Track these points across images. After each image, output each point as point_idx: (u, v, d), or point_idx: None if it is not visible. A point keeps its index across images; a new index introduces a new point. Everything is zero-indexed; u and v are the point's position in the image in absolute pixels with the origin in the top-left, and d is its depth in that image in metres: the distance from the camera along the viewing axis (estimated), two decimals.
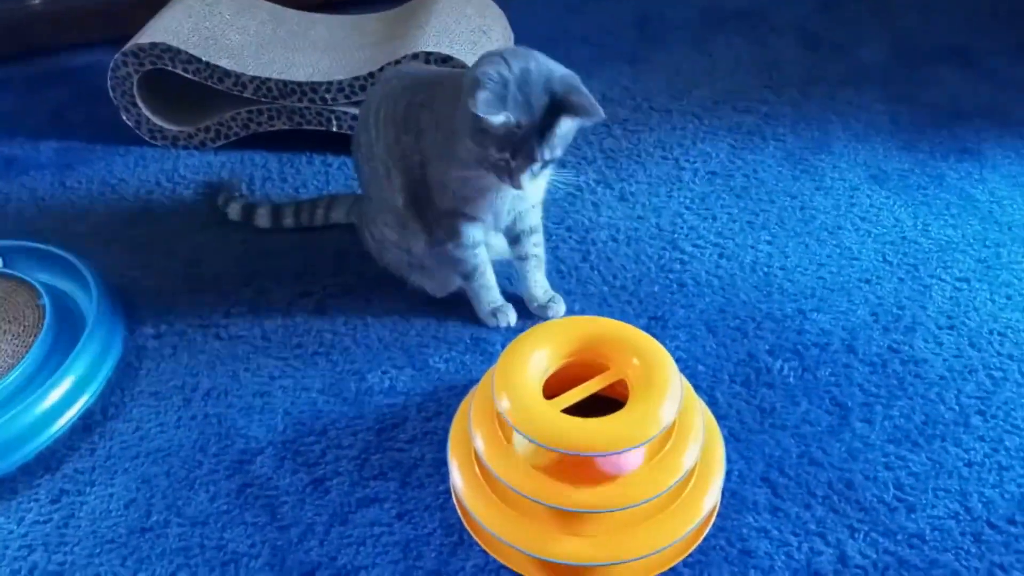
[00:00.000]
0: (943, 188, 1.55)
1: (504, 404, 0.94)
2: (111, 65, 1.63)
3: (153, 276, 1.43)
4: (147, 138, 1.72)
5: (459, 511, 1.02)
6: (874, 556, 0.97)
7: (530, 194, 1.20)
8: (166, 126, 1.71)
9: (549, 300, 1.30)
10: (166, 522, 1.04)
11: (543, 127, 1.04)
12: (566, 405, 0.95)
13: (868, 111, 1.77)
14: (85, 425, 1.17)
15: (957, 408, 1.14)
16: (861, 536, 1.00)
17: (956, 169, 1.59)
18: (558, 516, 0.94)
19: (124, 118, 1.70)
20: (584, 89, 1.05)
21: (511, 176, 1.07)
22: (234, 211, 1.51)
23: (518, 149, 1.05)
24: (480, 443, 0.97)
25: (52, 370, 1.20)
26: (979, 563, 0.97)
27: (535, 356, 1.00)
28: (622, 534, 0.94)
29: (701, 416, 1.01)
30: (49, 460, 1.13)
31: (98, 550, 1.02)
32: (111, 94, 1.66)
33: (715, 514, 1.01)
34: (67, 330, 1.28)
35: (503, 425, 0.96)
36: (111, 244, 1.50)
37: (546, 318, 1.28)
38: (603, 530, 0.94)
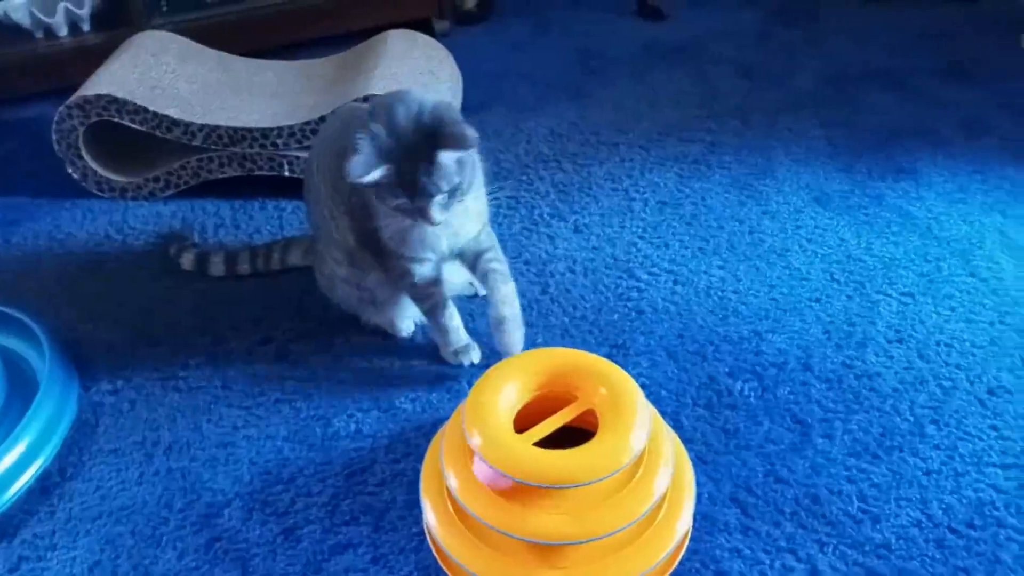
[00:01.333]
0: (883, 207, 1.61)
1: (476, 440, 0.94)
2: (56, 118, 1.61)
3: (106, 330, 1.40)
4: (94, 190, 1.70)
5: (434, 551, 1.02)
6: (844, 568, 0.99)
7: (463, 228, 1.20)
8: (113, 178, 1.69)
9: (501, 325, 1.22)
10: None
11: (428, 162, 1.06)
12: (538, 438, 0.96)
13: (807, 136, 1.83)
14: (43, 488, 1.14)
15: (912, 419, 1.18)
16: (830, 550, 1.02)
17: (894, 188, 1.66)
18: (534, 550, 0.94)
19: (70, 171, 1.67)
20: (454, 118, 1.07)
21: (421, 215, 1.09)
22: (187, 261, 1.49)
23: (410, 191, 1.07)
24: (453, 481, 0.97)
25: (5, 434, 1.16)
26: (944, 568, 0.99)
27: (504, 390, 1.00)
28: (598, 563, 0.94)
29: (670, 442, 1.02)
30: (5, 527, 1.09)
31: None
32: (56, 147, 1.64)
33: (688, 538, 1.02)
34: (18, 390, 1.25)
35: (475, 461, 0.97)
36: (61, 300, 1.47)
37: (503, 349, 1.24)
38: (580, 561, 0.94)
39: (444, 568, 1.00)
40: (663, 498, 0.98)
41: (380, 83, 1.58)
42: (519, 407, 1.01)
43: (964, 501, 1.07)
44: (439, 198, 1.09)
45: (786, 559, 1.01)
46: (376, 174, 1.05)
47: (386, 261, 1.21)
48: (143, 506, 1.11)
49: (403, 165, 1.05)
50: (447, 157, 1.06)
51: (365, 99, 1.54)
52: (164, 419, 1.23)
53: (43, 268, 1.55)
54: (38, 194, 1.74)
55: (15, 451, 1.14)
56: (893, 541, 1.02)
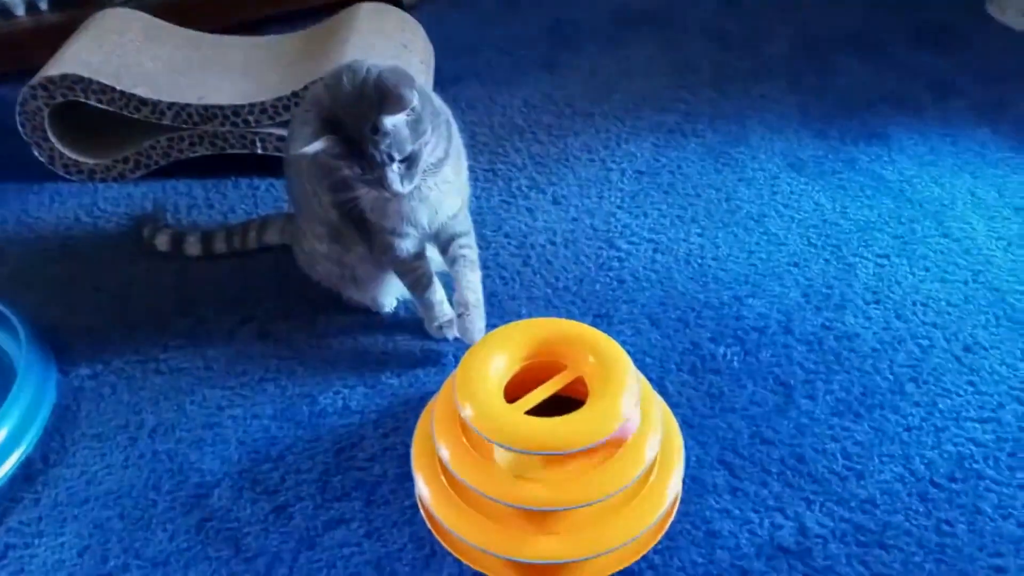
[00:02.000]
0: (856, 171, 1.63)
1: (468, 411, 0.95)
2: (19, 99, 1.57)
3: (82, 314, 1.38)
4: (62, 173, 1.66)
5: (428, 523, 1.02)
6: (831, 524, 1.02)
7: (443, 203, 1.18)
8: (81, 159, 1.65)
9: (463, 312, 1.21)
10: (125, 566, 1.01)
11: (372, 130, 1.03)
12: (529, 407, 0.97)
13: (779, 103, 1.84)
14: (26, 475, 1.12)
15: (891, 377, 1.20)
16: (817, 507, 1.04)
17: (866, 153, 1.68)
18: (528, 516, 0.95)
19: (36, 154, 1.63)
20: (397, 81, 1.03)
21: (381, 185, 1.07)
22: (162, 242, 1.47)
23: (364, 160, 1.05)
24: (446, 452, 0.97)
25: None
26: (927, 520, 1.02)
27: (494, 361, 1.00)
28: (592, 529, 0.95)
29: (658, 407, 1.03)
30: None
31: None
32: (21, 130, 1.60)
33: (678, 501, 1.04)
34: None
35: (467, 432, 0.97)
36: (34, 285, 1.44)
37: (463, 336, 1.22)
38: (573, 527, 0.95)
39: (439, 539, 1.01)
40: (653, 462, 0.99)
41: (353, 56, 1.56)
42: (509, 377, 1.02)
43: (945, 455, 1.09)
44: (394, 167, 1.05)
45: (775, 517, 1.03)
46: (317, 145, 1.03)
47: (370, 236, 1.20)
48: (130, 489, 1.10)
49: (350, 134, 1.03)
50: (391, 121, 1.03)
51: None
52: (147, 402, 1.22)
53: (12, 254, 1.52)
54: (3, 178, 1.69)
55: None
56: (878, 496, 1.05)
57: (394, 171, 1.06)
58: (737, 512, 1.04)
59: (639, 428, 0.98)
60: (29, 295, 1.41)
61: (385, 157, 1.04)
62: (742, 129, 1.76)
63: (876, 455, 1.10)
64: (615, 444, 0.95)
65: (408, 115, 1.04)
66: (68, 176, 1.66)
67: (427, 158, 1.09)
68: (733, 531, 1.01)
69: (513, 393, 1.00)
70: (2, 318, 1.28)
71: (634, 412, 0.96)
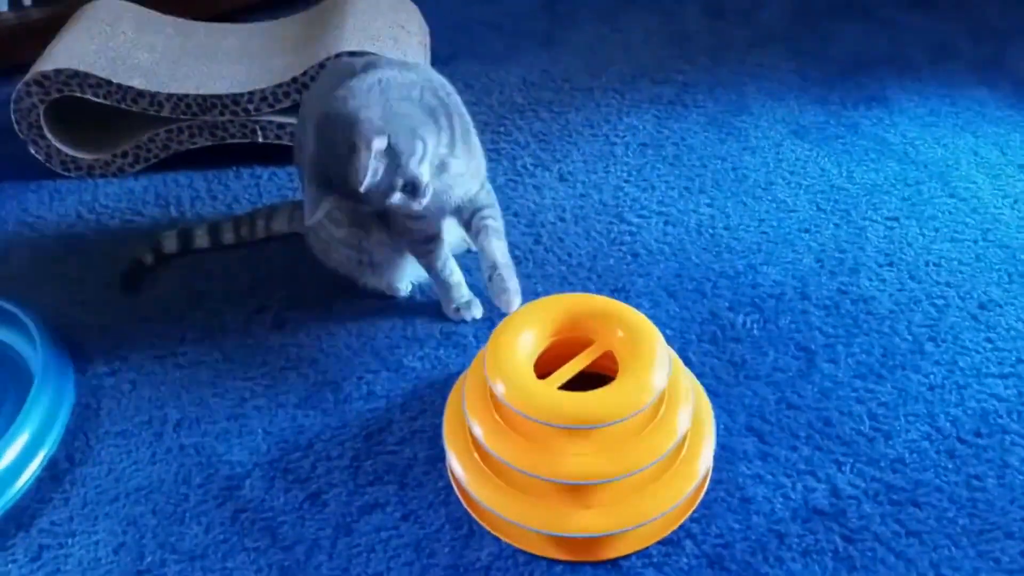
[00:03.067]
0: (859, 136, 1.63)
1: (500, 388, 0.95)
2: (13, 97, 1.54)
3: (94, 312, 1.36)
4: (59, 170, 1.63)
5: (464, 502, 1.02)
6: (863, 485, 1.03)
7: (455, 188, 1.18)
8: (79, 156, 1.63)
9: (492, 272, 1.19)
10: (162, 561, 1.00)
11: (356, 174, 1.04)
12: (562, 382, 0.97)
13: (778, 70, 1.84)
14: (52, 476, 1.11)
15: (910, 338, 1.22)
16: (848, 468, 1.05)
17: (868, 117, 1.68)
18: (565, 491, 0.95)
19: (32, 151, 1.61)
20: (360, 131, 1.02)
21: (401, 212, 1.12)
22: (170, 244, 1.45)
23: (364, 202, 1.09)
24: (479, 429, 0.97)
25: (4, 426, 1.13)
26: (957, 476, 1.03)
27: (523, 338, 1.00)
28: (628, 500, 0.95)
29: (688, 379, 1.04)
30: (20, 517, 1.07)
31: None
32: (16, 127, 1.57)
33: (710, 472, 1.04)
34: (10, 380, 1.22)
35: (500, 408, 0.97)
36: (40, 286, 1.42)
37: (499, 299, 1.20)
38: (610, 499, 0.95)
39: (476, 517, 1.01)
40: (686, 434, 0.99)
41: (352, 39, 1.54)
42: (538, 354, 1.02)
43: (969, 412, 1.11)
44: (396, 195, 1.07)
45: (807, 480, 1.04)
46: (321, 212, 1.09)
47: (387, 218, 1.19)
48: (160, 484, 1.09)
49: (344, 188, 1.06)
50: (368, 172, 1.03)
51: (352, 54, 1.50)
52: (168, 396, 1.21)
53: (15, 255, 1.49)
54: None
55: (18, 443, 1.10)
56: (907, 455, 1.06)
57: (399, 197, 1.08)
58: (769, 477, 1.04)
59: (671, 399, 0.99)
60: (38, 295, 1.38)
61: (379, 199, 1.07)
62: (742, 98, 1.76)
63: (902, 415, 1.11)
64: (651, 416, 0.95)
65: (380, 159, 1.04)
66: (66, 173, 1.64)
67: (431, 166, 1.10)
68: (767, 496, 1.02)
69: (542, 369, 1.00)
70: (15, 320, 1.27)
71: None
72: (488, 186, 1.26)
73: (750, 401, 1.14)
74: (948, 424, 1.09)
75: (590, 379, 1.02)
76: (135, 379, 1.24)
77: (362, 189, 1.04)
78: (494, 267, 1.20)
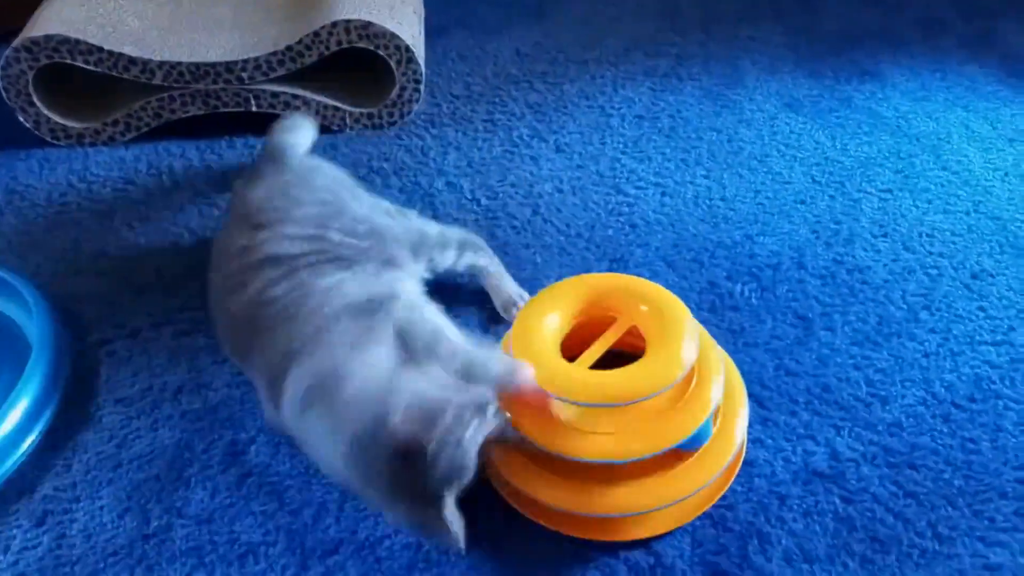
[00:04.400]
0: (852, 109, 1.65)
1: (529, 371, 0.93)
2: (1, 63, 1.51)
3: (88, 282, 1.35)
4: (49, 138, 1.61)
5: (493, 480, 1.00)
6: (861, 448, 1.05)
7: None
8: (69, 124, 1.60)
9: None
10: (168, 525, 1.00)
11: None
12: (592, 361, 0.96)
13: (770, 44, 1.85)
14: (53, 444, 1.11)
15: (905, 307, 1.24)
16: (846, 432, 1.07)
17: (861, 91, 1.69)
18: (598, 469, 0.94)
19: (21, 119, 1.58)
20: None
21: None
22: None
23: None
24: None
25: (3, 393, 1.12)
26: (952, 440, 1.06)
27: (547, 319, 1.00)
28: (662, 477, 0.94)
29: (718, 352, 1.03)
30: (20, 484, 1.06)
31: (101, 564, 0.97)
32: (4, 95, 1.54)
33: (745, 446, 1.03)
34: (8, 350, 1.21)
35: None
36: (32, 255, 1.40)
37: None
38: (644, 475, 0.94)
39: (504, 495, 1.00)
40: (719, 407, 0.99)
41: (348, 7, 1.53)
42: (564, 335, 1.01)
43: (963, 378, 1.13)
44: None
45: (806, 444, 1.06)
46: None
47: None
48: (163, 451, 1.09)
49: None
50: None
51: (334, 25, 1.48)
52: (166, 364, 1.20)
53: (5, 224, 1.47)
54: None
55: (17, 410, 1.09)
56: (903, 420, 1.08)
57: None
58: (770, 441, 1.06)
59: (702, 372, 0.98)
60: (31, 265, 1.37)
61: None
62: (736, 71, 1.77)
63: (898, 381, 1.13)
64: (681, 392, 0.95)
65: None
66: (56, 142, 1.61)
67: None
68: (768, 459, 1.04)
69: (567, 349, 0.99)
70: (10, 288, 1.25)
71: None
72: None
73: (749, 368, 1.15)
74: (943, 390, 1.12)
75: (615, 360, 0.99)
76: (132, 347, 1.23)
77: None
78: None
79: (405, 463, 0.83)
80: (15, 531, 1.01)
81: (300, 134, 1.31)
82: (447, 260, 1.18)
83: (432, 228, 1.19)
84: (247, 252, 1.05)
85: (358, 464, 0.86)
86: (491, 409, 0.88)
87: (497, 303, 1.24)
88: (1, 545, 1.00)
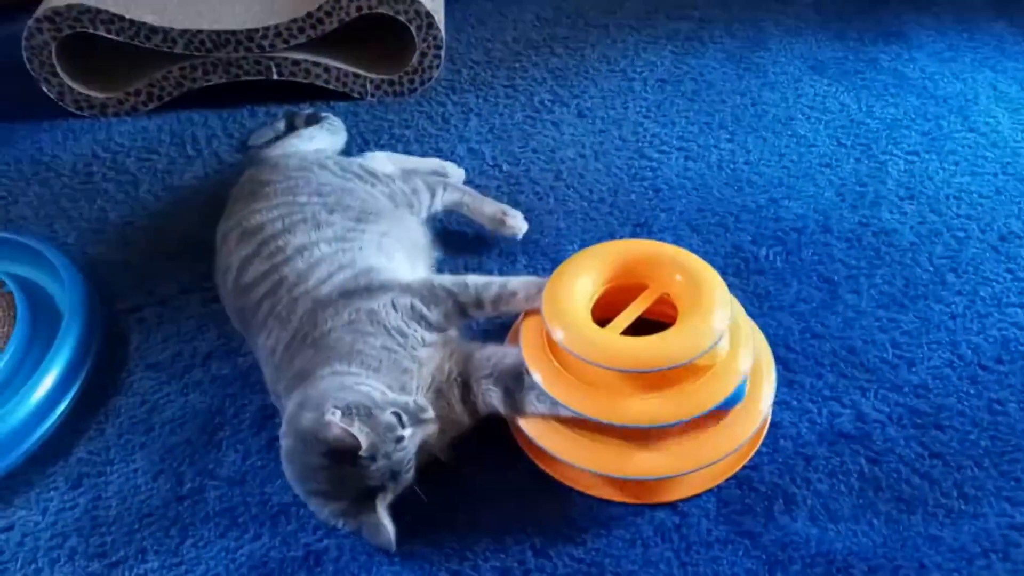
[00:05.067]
0: (878, 71, 1.62)
1: (560, 334, 0.94)
2: (24, 34, 1.51)
3: (117, 249, 1.36)
4: (72, 109, 1.62)
5: (524, 447, 1.02)
6: (887, 409, 1.05)
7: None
8: (92, 94, 1.61)
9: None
10: (201, 487, 1.02)
11: None
12: (624, 327, 0.96)
13: (794, 5, 1.82)
14: (87, 408, 1.13)
15: (932, 269, 1.23)
16: (872, 394, 1.07)
17: (886, 52, 1.67)
18: (627, 434, 0.94)
19: (45, 90, 1.59)
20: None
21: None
22: None
23: None
24: (538, 376, 0.96)
25: (37, 358, 1.14)
26: (979, 401, 1.05)
27: (579, 284, 0.99)
28: (690, 443, 0.95)
29: (748, 321, 1.03)
30: (57, 447, 1.08)
31: (137, 525, 0.99)
32: (28, 65, 1.55)
33: (770, 414, 1.03)
34: (40, 317, 1.22)
35: (559, 355, 0.96)
36: (60, 224, 1.42)
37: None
38: (673, 441, 0.95)
39: (537, 462, 1.01)
40: (747, 376, 0.98)
41: None
42: (594, 300, 1.01)
43: (990, 340, 1.12)
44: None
45: (832, 406, 1.06)
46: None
47: None
48: (194, 416, 1.11)
49: None
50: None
51: None
52: (196, 330, 1.22)
53: (32, 193, 1.49)
54: (11, 118, 1.65)
55: (51, 376, 1.11)
56: (929, 381, 1.08)
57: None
58: (795, 403, 1.06)
59: (732, 341, 0.97)
60: (58, 234, 1.39)
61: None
62: (759, 33, 1.74)
63: (924, 343, 1.12)
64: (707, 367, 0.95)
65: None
66: (79, 112, 1.62)
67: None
68: (793, 421, 1.04)
69: (596, 316, 0.99)
70: (40, 257, 1.27)
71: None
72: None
73: (775, 331, 1.15)
74: (970, 351, 1.11)
75: (645, 327, 1.00)
76: (162, 313, 1.25)
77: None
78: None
79: (340, 463, 0.87)
80: (52, 493, 1.03)
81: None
82: (424, 205, 1.26)
83: (397, 183, 1.26)
84: (228, 236, 1.16)
85: (295, 462, 0.91)
86: (427, 414, 0.92)
87: (485, 222, 1.29)
88: (40, 507, 1.02)
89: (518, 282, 1.03)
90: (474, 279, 1.04)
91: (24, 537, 0.99)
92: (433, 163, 1.40)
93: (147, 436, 1.09)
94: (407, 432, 0.90)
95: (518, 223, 1.28)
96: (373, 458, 0.88)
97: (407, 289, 1.03)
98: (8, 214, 1.44)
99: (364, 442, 0.86)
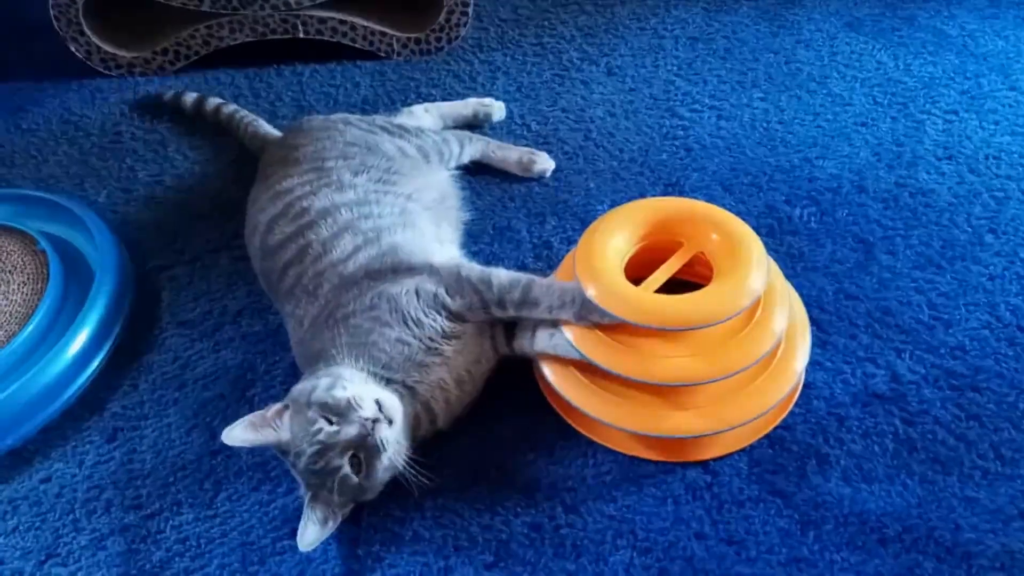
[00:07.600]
0: (916, 28, 1.58)
1: (593, 291, 0.93)
2: None
3: (146, 208, 1.37)
4: (100, 69, 1.62)
5: (553, 402, 1.02)
6: (923, 371, 1.03)
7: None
8: (120, 53, 1.61)
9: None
10: None
11: None
12: (657, 286, 0.95)
13: None
14: (119, 363, 1.14)
15: (970, 230, 1.20)
16: (907, 355, 1.05)
17: (925, 8, 1.63)
18: (661, 392, 0.94)
19: (72, 49, 1.59)
20: None
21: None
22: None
23: None
24: (570, 333, 0.95)
25: (70, 315, 1.15)
26: (1017, 363, 1.04)
27: (612, 241, 0.98)
28: (723, 402, 0.94)
29: (783, 282, 1.01)
30: (92, 402, 1.10)
31: (171, 478, 1.01)
32: (55, 24, 1.55)
33: (803, 377, 1.02)
34: (72, 275, 1.23)
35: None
36: (89, 183, 1.42)
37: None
38: (706, 401, 0.94)
39: (570, 422, 1.01)
40: (782, 336, 0.97)
41: None
42: (628, 258, 1.00)
43: None
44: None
45: (866, 367, 1.04)
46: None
47: None
48: (225, 372, 1.11)
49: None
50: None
51: None
52: (225, 288, 1.22)
53: (62, 153, 1.49)
54: (39, 78, 1.65)
55: (85, 331, 1.12)
56: (967, 343, 1.06)
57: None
58: (829, 364, 1.05)
59: (767, 302, 0.96)
60: (88, 193, 1.39)
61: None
62: None
63: (961, 304, 1.11)
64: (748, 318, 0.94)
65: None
66: (107, 72, 1.62)
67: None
68: (827, 382, 1.03)
69: (629, 274, 0.98)
70: (71, 216, 1.28)
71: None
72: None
73: (808, 291, 1.13)
74: (1008, 313, 1.09)
75: (679, 287, 0.99)
76: (192, 272, 1.25)
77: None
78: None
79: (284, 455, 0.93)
80: (88, 446, 1.05)
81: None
82: (454, 154, 1.29)
83: (428, 137, 1.28)
84: (258, 197, 1.18)
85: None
86: (366, 413, 0.89)
87: (512, 167, 1.33)
88: (76, 460, 1.04)
89: (540, 290, 0.97)
90: (499, 278, 0.99)
91: (62, 489, 1.01)
92: (472, 102, 1.43)
93: (180, 392, 1.10)
94: (331, 429, 0.88)
95: (545, 161, 1.33)
96: (285, 453, 0.92)
97: (434, 275, 1.00)
98: (39, 173, 1.45)
99: (276, 438, 0.92)
